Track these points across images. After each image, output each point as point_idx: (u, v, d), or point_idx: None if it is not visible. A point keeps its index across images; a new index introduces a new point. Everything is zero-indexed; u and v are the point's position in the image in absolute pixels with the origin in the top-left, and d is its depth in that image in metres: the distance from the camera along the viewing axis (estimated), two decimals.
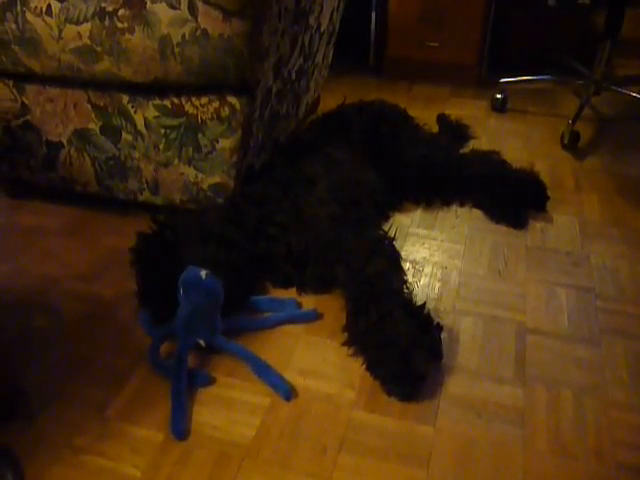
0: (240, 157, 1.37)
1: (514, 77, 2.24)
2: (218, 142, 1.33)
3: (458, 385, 1.06)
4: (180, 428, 0.96)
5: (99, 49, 1.23)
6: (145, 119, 1.34)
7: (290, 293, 1.28)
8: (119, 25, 1.20)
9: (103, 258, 1.41)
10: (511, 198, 1.56)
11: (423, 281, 1.33)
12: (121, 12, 1.19)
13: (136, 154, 1.40)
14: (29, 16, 1.24)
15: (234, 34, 1.16)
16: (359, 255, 1.19)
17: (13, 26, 1.26)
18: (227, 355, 1.11)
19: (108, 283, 1.32)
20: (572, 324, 1.20)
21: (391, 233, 1.29)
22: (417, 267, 1.37)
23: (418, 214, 1.60)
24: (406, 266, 1.36)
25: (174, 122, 1.33)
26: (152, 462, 0.92)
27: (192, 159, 1.37)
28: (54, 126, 1.43)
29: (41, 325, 1.21)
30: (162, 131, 1.35)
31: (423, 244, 1.46)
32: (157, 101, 1.31)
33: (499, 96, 2.23)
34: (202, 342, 1.09)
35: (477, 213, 1.59)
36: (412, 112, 1.87)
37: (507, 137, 2.03)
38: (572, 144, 1.94)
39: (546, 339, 1.16)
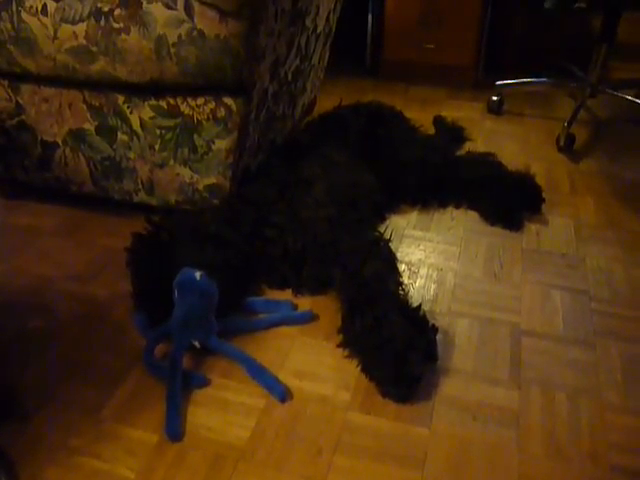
0: (236, 158, 1.37)
1: (510, 80, 2.25)
2: (214, 143, 1.33)
3: (453, 387, 1.06)
4: (174, 430, 0.96)
5: (95, 49, 1.23)
6: (141, 119, 1.34)
7: (286, 294, 1.28)
8: (115, 25, 1.19)
9: (98, 258, 1.40)
10: (507, 200, 1.56)
11: (419, 283, 1.33)
12: (117, 12, 1.19)
13: (131, 154, 1.40)
14: (24, 15, 1.23)
15: (230, 35, 1.16)
16: (355, 257, 1.19)
17: (8, 25, 1.25)
18: (222, 356, 1.10)
19: (103, 284, 1.32)
20: (567, 326, 1.20)
21: (387, 235, 1.29)
22: (413, 269, 1.37)
23: (414, 216, 1.60)
24: (402, 268, 1.37)
25: (170, 123, 1.32)
26: (147, 464, 0.92)
27: (188, 160, 1.37)
28: (49, 126, 1.42)
29: (36, 326, 1.20)
30: (158, 132, 1.34)
31: (419, 246, 1.47)
32: (153, 101, 1.31)
33: (495, 98, 2.24)
34: (197, 343, 1.09)
35: (473, 215, 1.59)
36: (408, 114, 1.87)
37: (503, 139, 2.04)
38: (568, 147, 1.94)
39: (541, 341, 1.16)
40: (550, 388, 1.05)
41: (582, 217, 1.58)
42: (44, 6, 1.22)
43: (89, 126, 1.39)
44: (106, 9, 1.19)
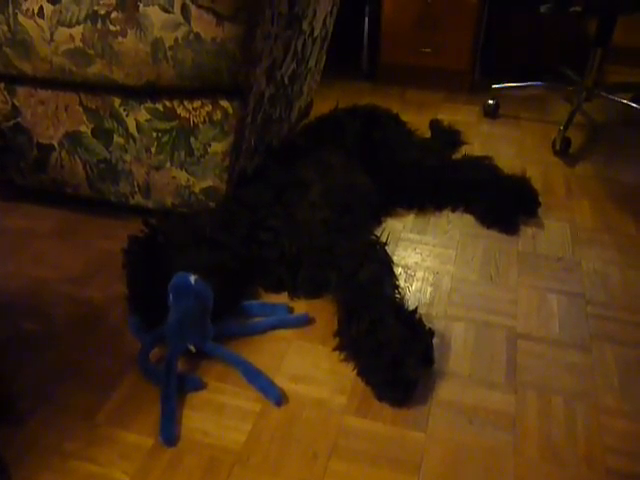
0: (232, 161, 1.36)
1: (506, 83, 2.25)
2: (210, 146, 1.33)
3: (449, 391, 1.06)
4: (169, 434, 0.96)
5: (91, 52, 1.23)
6: (137, 122, 1.34)
7: (282, 298, 1.28)
8: (112, 28, 1.19)
9: (94, 261, 1.40)
10: (503, 203, 1.56)
11: (415, 286, 1.33)
12: (114, 15, 1.18)
13: (128, 157, 1.40)
14: (21, 18, 1.23)
15: (227, 38, 1.16)
16: (351, 260, 1.19)
17: (5, 28, 1.25)
18: (218, 360, 1.10)
19: (99, 286, 1.32)
20: (563, 330, 1.20)
21: (383, 238, 1.29)
22: (409, 272, 1.37)
23: (410, 219, 1.60)
24: (398, 271, 1.37)
25: (166, 125, 1.32)
26: (142, 468, 0.91)
27: (184, 163, 1.37)
28: (45, 128, 1.42)
29: (31, 328, 1.20)
30: (154, 134, 1.34)
31: (415, 249, 1.47)
32: (149, 104, 1.30)
33: (491, 102, 2.24)
34: (192, 347, 1.08)
35: (469, 218, 1.60)
36: (405, 117, 1.87)
37: (499, 143, 2.04)
38: (563, 150, 1.95)
39: (537, 345, 1.16)
40: (546, 391, 1.05)
41: (578, 220, 1.59)
42: (40, 8, 1.21)
43: (85, 129, 1.39)
44: (103, 12, 1.19)
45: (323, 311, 1.23)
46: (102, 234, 1.50)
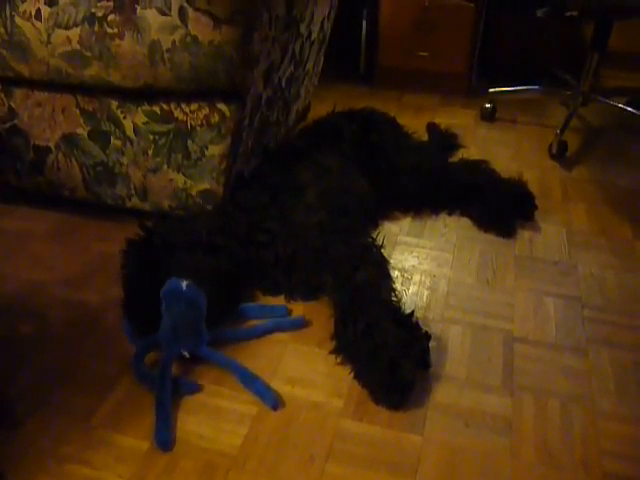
0: (229, 164, 1.36)
1: (503, 87, 2.26)
2: (207, 149, 1.33)
3: (446, 394, 1.06)
4: (164, 439, 0.95)
5: (88, 54, 1.23)
6: (134, 125, 1.33)
7: (279, 301, 1.28)
8: (109, 30, 1.19)
9: (90, 264, 1.40)
10: (500, 207, 1.56)
11: (412, 289, 1.33)
12: (111, 17, 1.18)
13: (124, 160, 1.39)
14: (18, 20, 1.23)
15: (224, 41, 1.16)
16: (347, 263, 1.19)
17: (2, 30, 1.25)
18: (213, 365, 1.10)
19: (95, 289, 1.31)
20: (560, 333, 1.20)
21: (380, 241, 1.29)
22: (406, 275, 1.38)
23: (407, 222, 1.60)
24: (395, 274, 1.37)
25: (163, 128, 1.32)
26: (137, 471, 0.91)
27: (181, 165, 1.36)
28: (42, 131, 1.42)
29: (27, 331, 1.20)
30: (151, 137, 1.34)
31: (412, 252, 1.47)
32: (146, 107, 1.30)
33: (488, 106, 2.25)
34: (186, 353, 1.08)
35: (466, 222, 1.60)
36: (402, 120, 1.87)
37: (496, 146, 2.04)
38: (560, 154, 1.95)
39: (534, 348, 1.16)
40: (543, 395, 1.05)
41: (574, 224, 1.59)
42: (38, 11, 1.21)
43: (82, 131, 1.39)
44: (100, 14, 1.19)
45: (320, 314, 1.23)
46: (99, 237, 1.50)
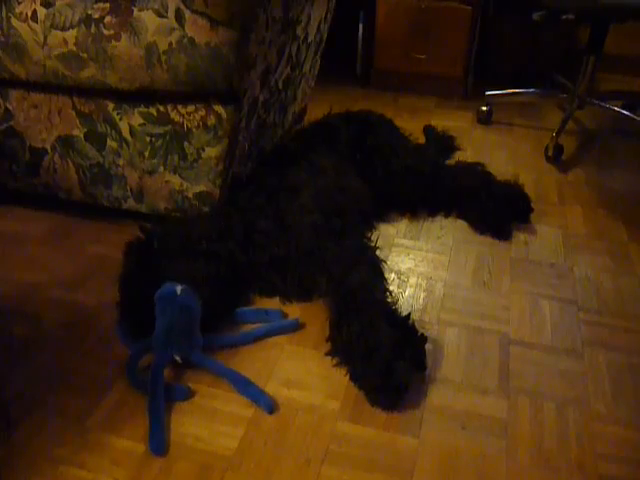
0: (226, 166, 1.36)
1: (499, 90, 2.27)
2: (204, 150, 1.33)
3: (442, 396, 1.06)
4: (158, 444, 0.95)
5: (85, 55, 1.22)
6: (130, 126, 1.33)
7: (276, 302, 1.28)
8: (105, 32, 1.19)
9: (86, 266, 1.39)
10: (496, 210, 1.57)
11: (408, 292, 1.33)
12: (107, 19, 1.18)
13: (121, 161, 1.39)
14: (14, 22, 1.23)
15: (221, 43, 1.16)
16: (341, 264, 1.19)
17: None
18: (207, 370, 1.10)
19: (91, 291, 1.31)
20: (555, 336, 1.20)
21: (376, 243, 1.29)
22: (402, 278, 1.38)
23: (403, 224, 1.60)
24: (391, 276, 1.37)
25: (160, 130, 1.32)
26: (132, 474, 0.91)
27: (177, 167, 1.36)
28: (38, 132, 1.41)
29: (22, 333, 1.19)
30: (147, 139, 1.34)
31: (408, 255, 1.47)
32: (143, 108, 1.30)
33: (485, 108, 2.25)
34: (178, 358, 1.07)
35: (462, 224, 1.60)
36: (398, 123, 1.88)
37: (492, 149, 2.05)
38: (556, 157, 1.96)
39: (530, 351, 1.16)
40: (538, 398, 1.06)
41: (570, 227, 1.59)
42: (34, 12, 1.21)
43: (78, 132, 1.38)
44: (96, 16, 1.19)
45: (316, 315, 1.23)
46: (94, 238, 1.50)
